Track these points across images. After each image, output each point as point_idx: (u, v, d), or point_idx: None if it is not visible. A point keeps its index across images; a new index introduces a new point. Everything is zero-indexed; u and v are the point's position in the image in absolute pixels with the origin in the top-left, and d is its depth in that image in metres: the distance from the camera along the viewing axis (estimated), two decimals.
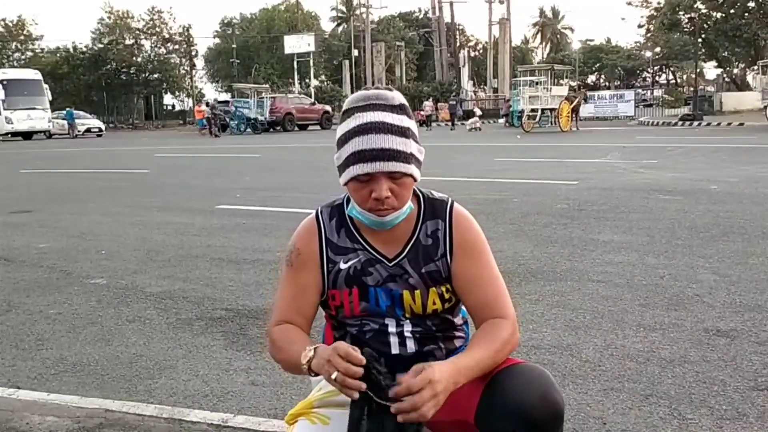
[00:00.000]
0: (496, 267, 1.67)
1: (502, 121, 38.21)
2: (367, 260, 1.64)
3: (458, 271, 1.63)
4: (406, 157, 1.53)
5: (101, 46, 58.01)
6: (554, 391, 1.47)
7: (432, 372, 1.39)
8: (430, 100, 41.30)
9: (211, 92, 68.35)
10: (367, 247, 1.64)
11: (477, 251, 1.65)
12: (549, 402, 1.44)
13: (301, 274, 1.66)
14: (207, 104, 36.24)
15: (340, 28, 69.17)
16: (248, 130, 35.58)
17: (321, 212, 1.69)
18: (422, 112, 37.16)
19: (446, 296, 1.64)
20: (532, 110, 29.35)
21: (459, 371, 1.45)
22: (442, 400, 1.40)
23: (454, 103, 38.70)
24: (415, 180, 1.59)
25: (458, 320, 1.73)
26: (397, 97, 1.57)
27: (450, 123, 36.67)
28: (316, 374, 1.49)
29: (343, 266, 1.64)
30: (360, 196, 1.56)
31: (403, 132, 1.53)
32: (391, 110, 1.54)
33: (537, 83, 30.37)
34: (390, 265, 1.63)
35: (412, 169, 1.54)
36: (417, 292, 1.62)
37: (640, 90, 59.39)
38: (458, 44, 63.49)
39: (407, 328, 1.63)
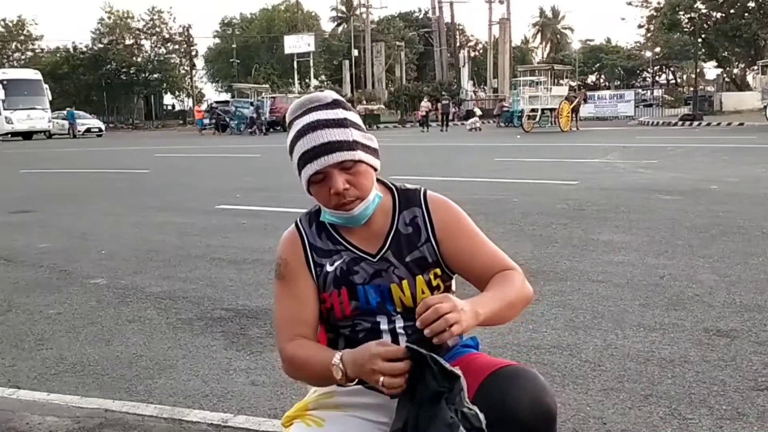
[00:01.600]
0: (484, 235, 1.70)
1: (494, 122, 37.50)
2: (351, 260, 1.64)
3: (449, 252, 1.65)
4: (350, 145, 1.56)
5: (101, 46, 58.01)
6: (546, 395, 1.47)
7: (446, 294, 1.45)
8: (426, 99, 39.26)
9: (212, 92, 68.46)
10: (349, 247, 1.66)
11: (460, 226, 1.68)
12: (541, 406, 1.44)
13: (295, 283, 1.66)
14: (251, 104, 36.04)
15: (340, 28, 69.13)
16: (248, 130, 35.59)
17: (300, 221, 1.72)
18: (419, 113, 35.77)
19: (434, 283, 1.65)
20: (532, 110, 29.35)
21: (476, 300, 1.48)
22: (464, 319, 1.40)
23: (447, 102, 36.11)
24: (374, 168, 1.61)
25: None
26: (330, 95, 1.63)
27: (441, 124, 34.20)
28: (351, 380, 1.48)
29: (329, 268, 1.65)
30: (322, 198, 1.59)
31: (339, 123, 1.57)
32: (324, 108, 1.60)
33: (537, 83, 30.38)
34: (374, 261, 1.64)
35: (359, 155, 1.57)
36: (404, 282, 1.63)
37: (640, 90, 59.40)
38: (458, 44, 63.45)
39: (399, 323, 1.63)
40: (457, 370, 1.37)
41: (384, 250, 1.64)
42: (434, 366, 1.35)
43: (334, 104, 1.60)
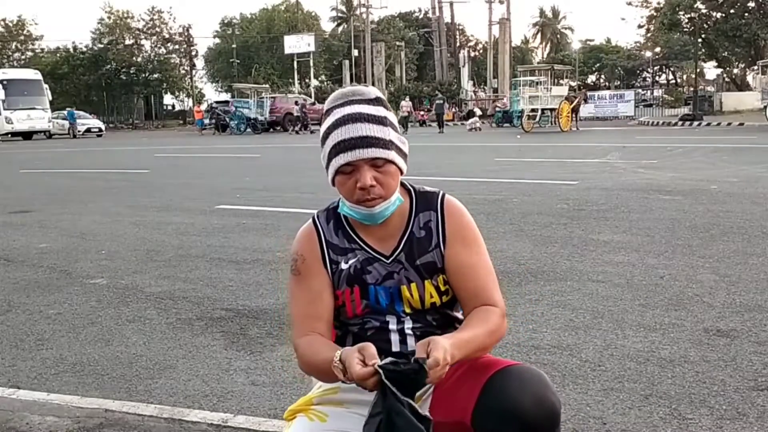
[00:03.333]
0: (488, 257, 1.69)
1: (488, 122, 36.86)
2: (365, 259, 1.65)
3: (450, 258, 1.65)
4: (386, 144, 1.56)
5: (101, 46, 58.00)
6: (550, 392, 1.48)
7: (440, 347, 1.42)
8: (407, 99, 36.87)
9: (212, 92, 68.48)
10: (364, 246, 1.66)
11: (469, 240, 1.67)
12: (544, 404, 1.45)
13: (311, 279, 1.66)
14: (296, 102, 35.28)
15: (340, 28, 69.14)
16: (248, 130, 35.58)
17: (318, 217, 1.72)
18: (400, 113, 33.27)
19: (442, 288, 1.65)
20: (532, 110, 29.35)
21: (455, 344, 1.46)
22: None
23: (441, 102, 33.42)
24: (401, 170, 1.62)
25: (459, 315, 1.73)
26: (373, 91, 1.63)
27: (437, 124, 32.14)
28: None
29: (344, 266, 1.65)
30: (346, 189, 1.59)
31: (380, 120, 1.58)
32: (367, 103, 1.59)
33: (537, 83, 30.37)
34: (388, 262, 1.65)
35: (392, 155, 1.57)
36: (413, 285, 1.63)
37: (640, 90, 59.37)
38: (458, 44, 63.50)
39: (408, 324, 1.64)
40: (429, 415, 1.40)
41: (397, 252, 1.65)
42: (408, 410, 1.37)
43: (376, 101, 1.61)
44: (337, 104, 1.61)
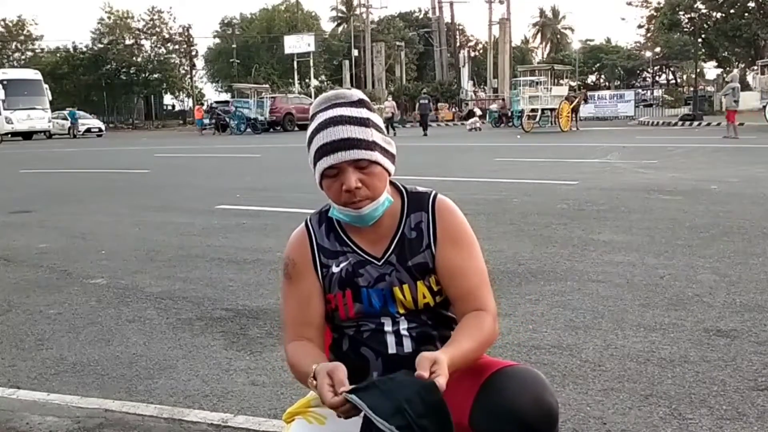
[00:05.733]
0: (481, 259, 1.68)
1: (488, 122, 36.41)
2: (357, 262, 1.65)
3: (441, 259, 1.64)
4: (368, 145, 1.56)
5: (101, 46, 58.02)
6: (548, 393, 1.48)
7: (442, 364, 1.41)
8: (389, 98, 34.84)
9: (212, 92, 68.49)
10: (356, 249, 1.66)
11: (461, 240, 1.66)
12: (542, 405, 1.45)
13: (302, 283, 1.67)
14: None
15: (340, 28, 69.12)
16: (248, 130, 35.58)
17: (310, 220, 1.72)
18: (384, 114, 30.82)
19: (435, 289, 1.65)
20: (532, 110, 29.33)
21: (452, 361, 1.46)
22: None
23: (426, 102, 30.65)
24: (387, 171, 1.61)
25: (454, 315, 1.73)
26: (356, 94, 1.63)
27: (422, 126, 29.70)
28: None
29: (335, 269, 1.65)
30: (333, 193, 1.59)
31: (362, 122, 1.57)
32: (349, 105, 1.59)
33: (537, 83, 30.34)
34: (379, 264, 1.64)
35: (376, 156, 1.57)
36: (405, 286, 1.63)
37: (640, 90, 59.32)
38: (458, 44, 63.46)
39: (403, 325, 1.64)
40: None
41: (388, 254, 1.65)
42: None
43: (359, 103, 1.60)
44: (321, 108, 1.61)
